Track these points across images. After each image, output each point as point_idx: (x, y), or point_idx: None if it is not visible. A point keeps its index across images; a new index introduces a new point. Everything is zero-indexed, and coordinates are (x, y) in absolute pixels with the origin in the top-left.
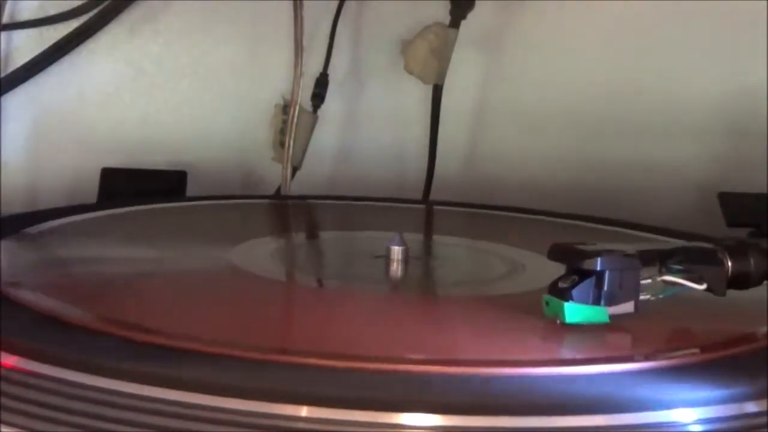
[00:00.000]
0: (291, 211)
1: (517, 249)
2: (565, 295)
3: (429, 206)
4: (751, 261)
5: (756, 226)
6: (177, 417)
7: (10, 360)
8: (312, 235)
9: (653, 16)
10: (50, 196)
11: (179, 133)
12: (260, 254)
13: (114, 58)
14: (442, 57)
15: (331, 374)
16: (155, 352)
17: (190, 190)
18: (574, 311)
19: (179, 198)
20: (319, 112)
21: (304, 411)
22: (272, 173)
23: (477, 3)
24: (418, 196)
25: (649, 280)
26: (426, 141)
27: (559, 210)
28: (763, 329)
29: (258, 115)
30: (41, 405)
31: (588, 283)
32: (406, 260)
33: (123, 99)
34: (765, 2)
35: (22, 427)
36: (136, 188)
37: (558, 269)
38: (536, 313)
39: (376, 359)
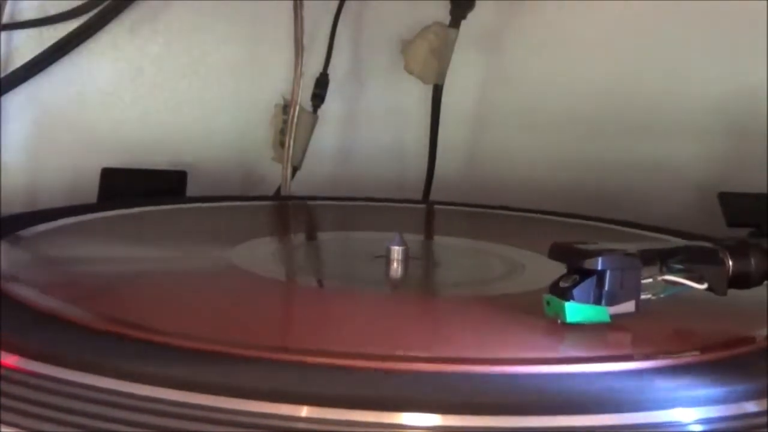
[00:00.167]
0: (291, 211)
1: (517, 249)
2: (566, 295)
3: (429, 206)
4: (752, 261)
5: (756, 226)
6: (177, 417)
7: (10, 360)
8: (312, 235)
9: (653, 16)
10: (50, 196)
11: (179, 133)
12: (260, 254)
13: (114, 58)
14: (442, 57)
15: (331, 374)
16: (155, 352)
17: (190, 190)
18: (575, 311)
19: (179, 198)
20: (319, 112)
21: (304, 411)
22: (272, 173)
23: (477, 3)
24: (418, 196)
25: (650, 280)
26: (426, 141)
27: (559, 210)
28: (764, 329)
29: (258, 115)
30: (41, 405)
31: (589, 283)
32: (406, 260)
33: (123, 99)
34: (765, 2)
35: (22, 427)
36: (136, 188)
37: (558, 269)
38: (537, 312)
39: (376, 359)
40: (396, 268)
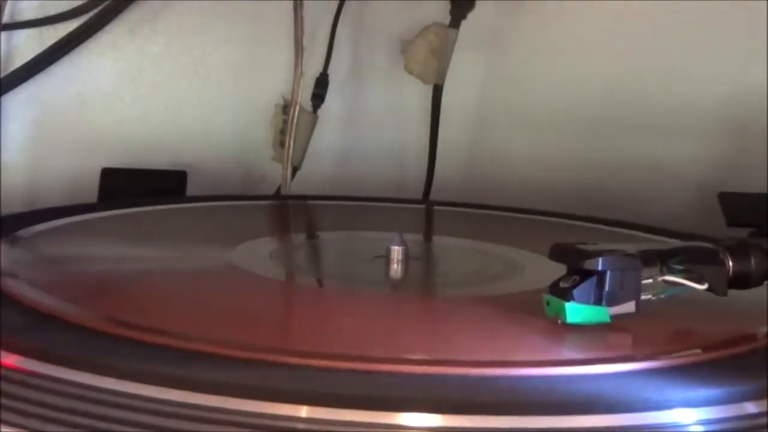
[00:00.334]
0: (291, 211)
1: (517, 249)
2: (566, 295)
3: (429, 206)
4: (752, 261)
5: (756, 226)
6: (177, 417)
7: (10, 359)
8: (312, 235)
9: (653, 16)
10: (50, 196)
11: (179, 133)
12: (260, 254)
13: (114, 58)
14: (442, 57)
15: (331, 374)
16: (155, 352)
17: (190, 190)
18: (575, 311)
19: (179, 198)
20: (319, 112)
21: (304, 411)
22: (272, 173)
23: (477, 3)
24: (418, 196)
25: (650, 280)
26: (426, 141)
27: (559, 210)
28: (764, 329)
29: (258, 115)
30: (41, 405)
31: (589, 283)
32: (406, 260)
33: (123, 99)
34: (765, 2)
35: (22, 427)
36: (136, 188)
37: (558, 269)
38: (536, 313)
39: (376, 359)
40: (396, 268)
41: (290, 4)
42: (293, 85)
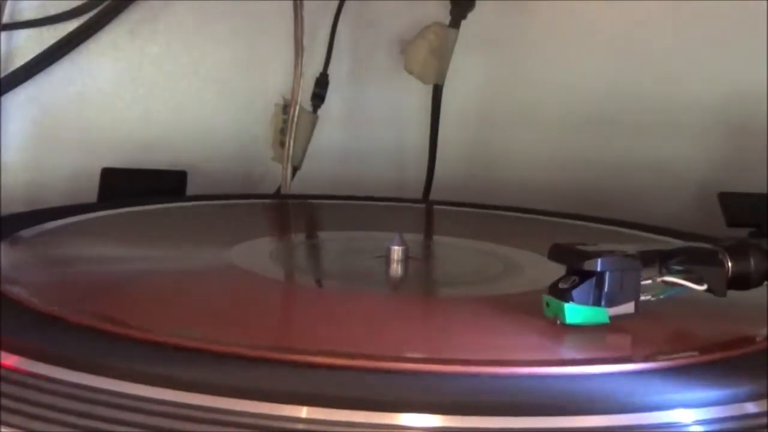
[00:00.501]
0: (291, 211)
1: (517, 249)
2: (565, 296)
3: (429, 206)
4: (752, 261)
5: (756, 226)
6: (177, 417)
7: (10, 360)
8: (312, 234)
9: (653, 17)
10: (50, 196)
11: (179, 133)
12: (260, 254)
13: (114, 58)
14: (442, 57)
15: (331, 374)
16: (155, 352)
17: (190, 190)
18: (575, 312)
19: (179, 198)
20: (319, 112)
21: (304, 411)
22: (272, 173)
23: (477, 3)
24: (418, 196)
25: (650, 281)
26: (426, 141)
27: (559, 210)
28: (763, 330)
29: (258, 115)
30: (41, 405)
31: (588, 284)
32: (406, 260)
33: (123, 99)
34: (765, 2)
35: (22, 428)
36: (136, 188)
37: (558, 269)
38: (536, 313)
39: (376, 359)
40: (396, 268)
41: (290, 4)
42: (293, 85)
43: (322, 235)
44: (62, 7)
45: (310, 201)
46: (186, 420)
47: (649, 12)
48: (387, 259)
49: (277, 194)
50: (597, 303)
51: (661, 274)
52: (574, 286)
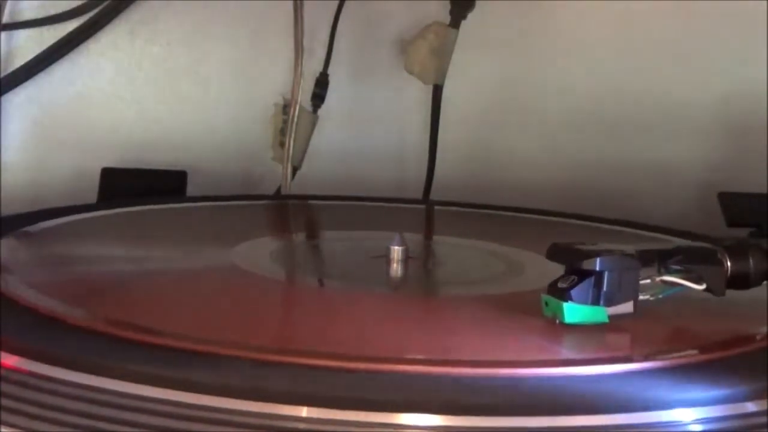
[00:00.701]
0: (291, 211)
1: (517, 249)
2: (564, 296)
3: (429, 206)
4: (751, 261)
5: (756, 226)
6: (177, 417)
7: (11, 360)
8: (312, 235)
9: (653, 17)
10: (50, 196)
11: (179, 133)
12: (260, 254)
13: (114, 58)
14: (442, 57)
15: (331, 374)
16: (155, 352)
17: (190, 190)
18: (573, 311)
19: (179, 198)
20: (319, 112)
21: (304, 411)
22: (272, 173)
23: (477, 3)
24: (418, 196)
25: (649, 280)
26: (426, 141)
27: (558, 210)
28: (763, 329)
29: (258, 115)
30: (41, 405)
31: (587, 284)
32: (406, 260)
33: (123, 99)
34: (765, 2)
35: (22, 428)
36: (136, 188)
37: (558, 269)
38: (536, 313)
39: (377, 359)
40: (396, 268)
41: (290, 4)
42: (293, 85)
43: (323, 235)
44: (62, 7)
45: (310, 201)
46: (186, 420)
47: (648, 12)
48: (387, 259)
49: (277, 194)
50: (596, 302)
51: (660, 274)
52: (572, 286)
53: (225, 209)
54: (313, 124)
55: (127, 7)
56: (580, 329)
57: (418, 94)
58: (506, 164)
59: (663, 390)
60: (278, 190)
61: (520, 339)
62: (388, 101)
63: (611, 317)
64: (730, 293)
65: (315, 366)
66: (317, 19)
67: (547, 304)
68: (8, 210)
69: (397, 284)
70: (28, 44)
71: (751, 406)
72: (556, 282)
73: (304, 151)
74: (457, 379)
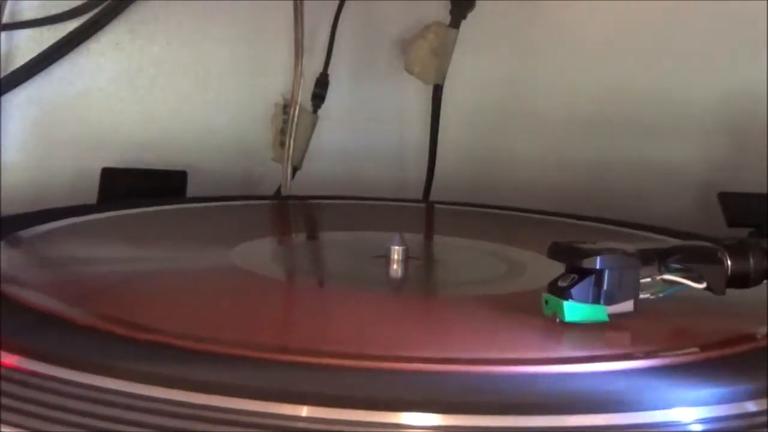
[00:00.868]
0: (291, 211)
1: (517, 249)
2: (564, 294)
3: (429, 206)
4: (751, 260)
5: (756, 226)
6: (177, 416)
7: (11, 359)
8: (312, 235)
9: (653, 17)
10: (50, 196)
11: (179, 133)
12: (260, 254)
13: (114, 58)
14: (442, 57)
15: (331, 374)
16: (155, 352)
17: (190, 190)
18: (574, 310)
19: (179, 198)
20: (320, 112)
21: (304, 411)
22: (272, 173)
23: (477, 3)
24: (418, 196)
25: (649, 279)
26: (426, 141)
27: (558, 210)
28: (763, 329)
29: (258, 114)
30: (41, 404)
31: (587, 282)
32: (406, 260)
33: (123, 99)
34: (765, 2)
35: (22, 427)
36: (136, 188)
37: (558, 269)
38: (536, 312)
39: (377, 359)
40: (396, 268)
41: (290, 4)
42: (293, 85)
43: (323, 235)
44: (62, 7)
45: (310, 201)
46: (187, 419)
47: (649, 12)
48: (387, 259)
49: (277, 194)
50: (596, 301)
51: (661, 273)
52: (573, 284)
53: (225, 209)
54: (313, 124)
55: (127, 7)
56: (580, 328)
57: (418, 94)
58: (506, 164)
59: (663, 389)
60: (278, 190)
61: (520, 338)
62: (388, 101)
63: (611, 316)
64: (731, 292)
65: (315, 365)
66: (317, 19)
67: (547, 302)
68: (8, 210)
69: (397, 284)
70: (28, 44)
71: (751, 406)
72: (556, 281)
73: (304, 151)
74: (457, 379)
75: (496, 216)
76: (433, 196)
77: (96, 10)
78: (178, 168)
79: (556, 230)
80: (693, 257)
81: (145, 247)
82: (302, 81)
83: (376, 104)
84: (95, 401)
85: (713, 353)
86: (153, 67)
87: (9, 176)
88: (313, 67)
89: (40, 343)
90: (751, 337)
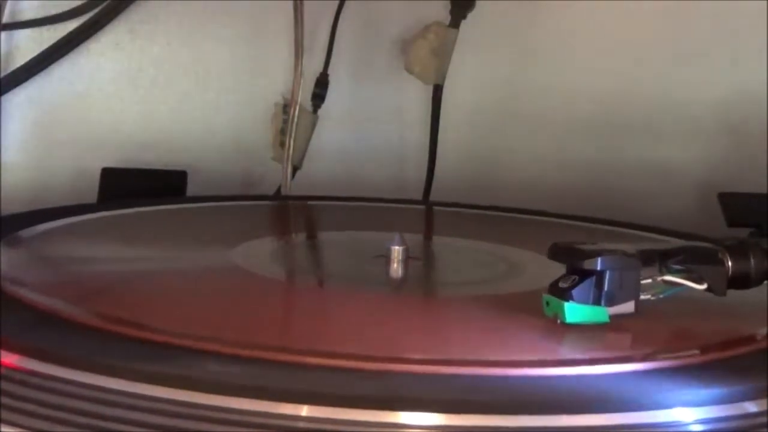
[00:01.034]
0: (291, 211)
1: (517, 249)
2: (565, 295)
3: (429, 206)
4: (752, 261)
5: (756, 226)
6: (177, 416)
7: (11, 359)
8: (312, 235)
9: (653, 17)
10: (50, 196)
11: (179, 133)
12: (260, 254)
13: (114, 58)
14: (442, 57)
15: (331, 373)
16: (155, 351)
17: (190, 190)
18: (575, 311)
19: (179, 198)
20: (320, 111)
21: (304, 410)
22: (272, 173)
23: (477, 3)
24: (418, 196)
25: (650, 280)
26: (426, 141)
27: (559, 210)
28: (763, 329)
29: (258, 114)
30: (41, 404)
31: (588, 283)
32: (406, 260)
33: (123, 99)
34: (765, 2)
35: (22, 427)
36: (136, 188)
37: (558, 269)
38: (536, 313)
39: (376, 359)
40: (396, 268)
41: (290, 4)
42: (293, 85)
43: (323, 235)
44: (62, 7)
45: (310, 201)
46: (186, 418)
47: (649, 13)
48: (387, 259)
49: (277, 194)
50: (597, 302)
51: (661, 273)
52: (574, 285)
53: (225, 209)
54: (313, 124)
55: (127, 7)
56: (581, 329)
57: (418, 94)
58: (506, 164)
59: (663, 390)
60: (278, 190)
61: (520, 339)
62: (388, 101)
63: (612, 317)
64: (731, 293)
65: (315, 365)
66: (317, 19)
67: (548, 303)
68: (8, 210)
69: (397, 284)
70: (28, 44)
71: (751, 406)
72: (557, 282)
73: (304, 151)
74: (457, 379)
75: (496, 216)
76: (433, 196)
77: (96, 10)
78: (178, 168)
79: (556, 231)
80: (694, 258)
81: (145, 247)
82: (302, 81)
83: (376, 104)
84: (95, 401)
85: (714, 354)
86: (153, 67)
87: (9, 176)
88: (313, 67)
89: (40, 342)
90: (751, 338)
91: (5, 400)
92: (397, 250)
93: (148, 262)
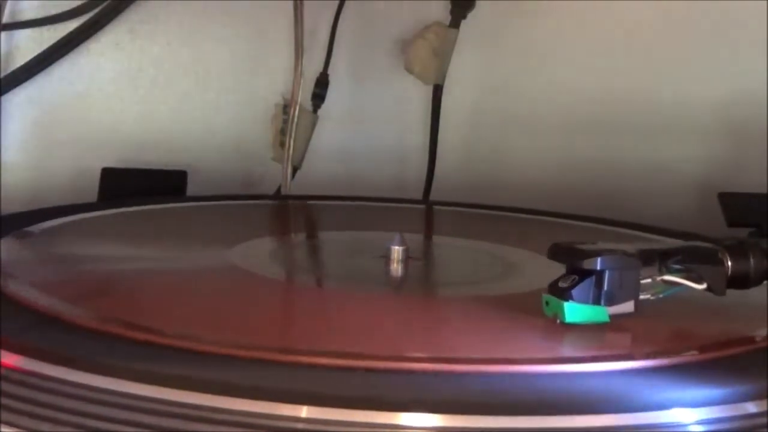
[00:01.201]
0: (291, 211)
1: (517, 249)
2: (565, 295)
3: (429, 206)
4: (751, 261)
5: (756, 226)
6: (176, 417)
7: (11, 359)
8: (312, 235)
9: (653, 17)
10: (50, 196)
11: (179, 133)
12: (260, 254)
13: (114, 58)
14: (442, 57)
15: (331, 374)
16: (155, 352)
17: (190, 190)
18: (574, 311)
19: (179, 198)
20: (320, 111)
21: (304, 411)
22: (272, 173)
23: (477, 3)
24: (418, 196)
25: (649, 280)
26: (426, 141)
27: (558, 210)
28: (763, 330)
29: (258, 114)
30: (41, 404)
31: (588, 283)
32: (406, 260)
33: (123, 99)
34: (765, 2)
35: (22, 427)
36: (136, 188)
37: (558, 269)
38: (536, 312)
39: (376, 359)
40: (396, 268)
41: (290, 4)
42: (293, 85)
43: (322, 235)
44: (62, 7)
45: (310, 201)
46: (186, 420)
47: (648, 12)
48: (387, 259)
49: (277, 194)
50: (597, 302)
51: (661, 273)
52: (573, 285)
53: (225, 209)
54: (313, 124)
55: (127, 7)
56: (580, 329)
57: (418, 94)
58: (506, 164)
59: (663, 390)
60: (278, 190)
61: (520, 338)
62: (388, 101)
63: (612, 317)
64: (731, 293)
65: (315, 365)
66: (317, 19)
67: (548, 303)
68: (8, 210)
69: (397, 284)
70: (28, 44)
71: (751, 407)
72: (557, 281)
73: (304, 151)
74: (457, 379)
75: (496, 216)
76: (433, 196)
77: (96, 10)
78: (178, 168)
79: (556, 230)
80: (693, 258)
81: (145, 247)
82: (302, 81)
83: (376, 104)
84: (95, 401)
85: (713, 354)
86: (153, 67)
87: (9, 176)
88: (313, 67)
89: (40, 342)
90: (751, 338)
91: (5, 401)
92: (397, 250)
93: (148, 262)
